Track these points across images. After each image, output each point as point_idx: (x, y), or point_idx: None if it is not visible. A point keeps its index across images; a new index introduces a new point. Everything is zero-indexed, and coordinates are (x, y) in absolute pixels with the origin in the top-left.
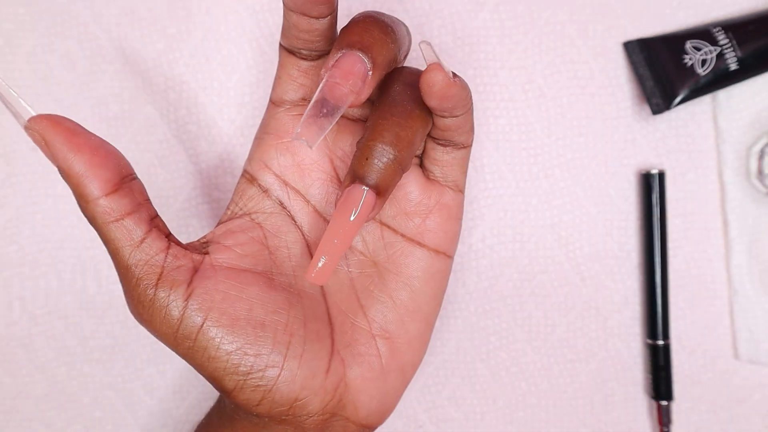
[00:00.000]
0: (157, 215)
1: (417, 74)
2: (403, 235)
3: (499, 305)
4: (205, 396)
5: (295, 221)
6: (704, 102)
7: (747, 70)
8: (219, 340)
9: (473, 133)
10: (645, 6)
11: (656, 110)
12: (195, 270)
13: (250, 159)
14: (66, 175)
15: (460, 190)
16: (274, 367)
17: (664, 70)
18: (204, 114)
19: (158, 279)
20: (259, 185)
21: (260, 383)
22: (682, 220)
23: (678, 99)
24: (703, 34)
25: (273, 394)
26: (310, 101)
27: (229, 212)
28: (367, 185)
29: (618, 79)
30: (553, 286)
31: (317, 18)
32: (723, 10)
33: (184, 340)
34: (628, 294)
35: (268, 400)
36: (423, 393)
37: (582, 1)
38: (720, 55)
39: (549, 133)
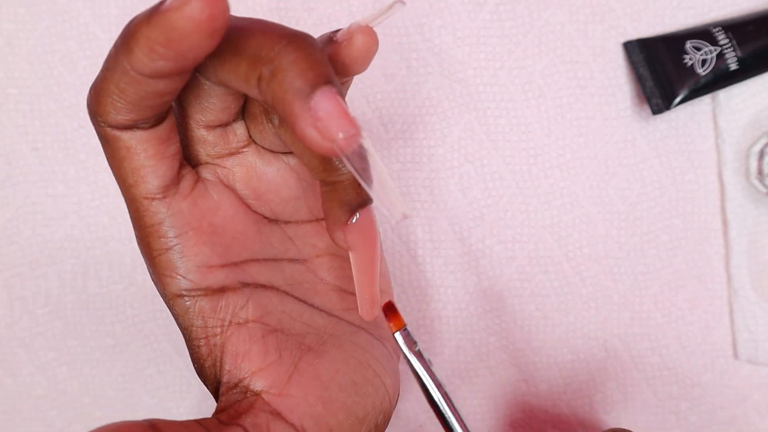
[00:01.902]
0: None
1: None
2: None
3: (499, 305)
4: (205, 396)
5: (264, 286)
6: (704, 102)
7: (747, 70)
8: (347, 428)
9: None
10: (645, 6)
11: (656, 110)
12: (277, 414)
13: (174, 277)
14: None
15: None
16: (385, 397)
17: (664, 70)
18: None
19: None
20: (214, 290)
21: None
22: (681, 220)
23: (678, 99)
24: (703, 34)
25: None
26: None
27: (203, 342)
28: (366, 204)
29: (618, 79)
30: (553, 286)
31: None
32: (723, 10)
33: None
34: (628, 294)
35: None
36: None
37: (582, 1)
38: (720, 55)
39: (549, 133)
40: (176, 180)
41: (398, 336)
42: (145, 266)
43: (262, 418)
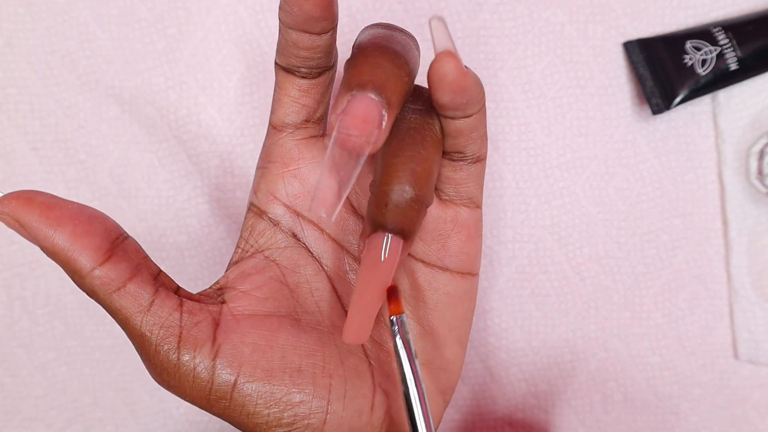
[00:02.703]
0: (160, 271)
1: (422, 92)
2: (423, 262)
3: (499, 305)
4: None
5: (312, 253)
6: (704, 102)
7: (747, 70)
8: (256, 395)
9: (487, 142)
10: (645, 6)
11: (656, 110)
12: (216, 323)
13: (255, 191)
14: (51, 253)
15: (478, 206)
16: (318, 412)
17: (664, 70)
18: (204, 114)
19: (179, 341)
20: (269, 218)
21: None
22: (681, 220)
23: (678, 99)
24: (703, 34)
25: None
26: (311, 124)
27: (239, 251)
28: (391, 232)
29: (618, 79)
30: (553, 286)
31: (319, 34)
32: (723, 10)
33: (218, 401)
34: (628, 294)
35: None
36: None
37: (582, 1)
38: (720, 55)
39: (549, 133)
40: (298, 125)
41: (394, 320)
42: None
43: (201, 315)
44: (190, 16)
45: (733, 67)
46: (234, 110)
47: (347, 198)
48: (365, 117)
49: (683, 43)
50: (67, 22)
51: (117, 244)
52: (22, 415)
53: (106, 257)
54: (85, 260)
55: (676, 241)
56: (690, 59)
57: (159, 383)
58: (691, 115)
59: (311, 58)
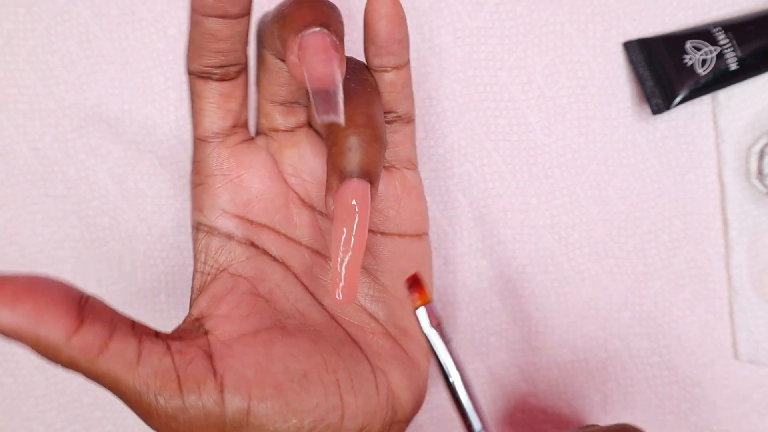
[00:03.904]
0: (133, 321)
1: (351, 59)
2: (381, 233)
3: (499, 305)
4: None
5: (274, 257)
6: (704, 102)
7: (747, 70)
8: (272, 412)
9: (413, 104)
10: (645, 6)
11: (656, 110)
12: (208, 356)
13: (199, 209)
14: (15, 335)
15: (415, 166)
16: (334, 410)
17: (664, 70)
18: None
19: (179, 384)
20: (222, 234)
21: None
22: (681, 220)
23: (678, 99)
24: (703, 34)
25: None
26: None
27: (199, 275)
28: (358, 176)
29: (618, 79)
30: (553, 286)
31: (237, 18)
32: (723, 10)
33: (235, 429)
34: (628, 294)
35: None
36: None
37: (582, 1)
38: (720, 55)
39: (549, 133)
40: (227, 133)
41: (420, 312)
42: (144, 267)
43: (191, 352)
44: None
45: (733, 67)
46: None
47: (292, 192)
48: (323, 45)
49: (683, 43)
50: (67, 22)
51: (83, 305)
52: (22, 415)
53: (78, 323)
54: (58, 332)
55: (676, 241)
56: (690, 59)
57: None
58: (691, 115)
59: (230, 51)
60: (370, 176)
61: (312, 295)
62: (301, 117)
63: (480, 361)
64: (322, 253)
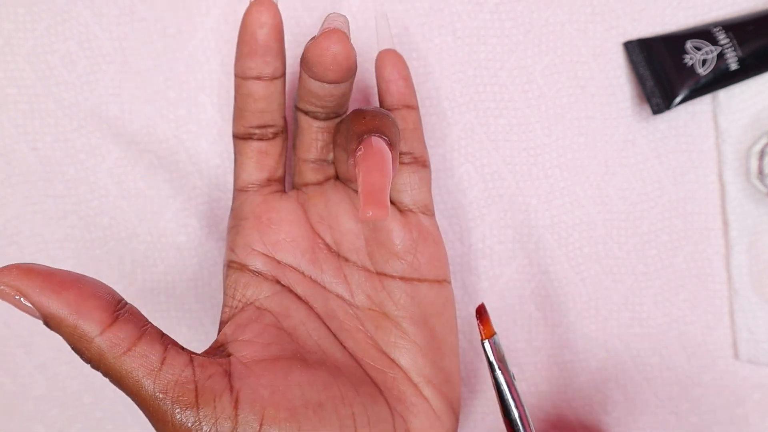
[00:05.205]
0: (164, 333)
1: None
2: (401, 278)
3: (499, 305)
4: None
5: (299, 296)
6: (704, 102)
7: (747, 69)
8: None
9: (427, 151)
10: (645, 6)
11: (656, 110)
12: (227, 374)
13: (232, 249)
14: (55, 321)
15: (432, 213)
16: None
17: (664, 70)
18: (204, 114)
19: (196, 396)
20: (251, 271)
21: None
22: (681, 220)
23: (678, 99)
24: (704, 33)
25: None
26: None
27: (227, 309)
28: (375, 134)
29: (618, 79)
30: (553, 286)
31: (271, 79)
32: (723, 10)
33: None
34: (629, 294)
35: None
36: None
37: (582, 1)
38: (720, 55)
39: (549, 133)
40: (262, 183)
41: (486, 345)
42: (144, 267)
43: (212, 368)
44: (190, 16)
45: (734, 66)
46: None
47: (319, 238)
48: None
49: (683, 43)
50: (67, 22)
51: (120, 307)
52: (22, 415)
53: (113, 320)
54: (92, 324)
55: (676, 241)
56: (690, 59)
57: None
58: (692, 115)
59: (266, 111)
60: (389, 137)
61: (334, 335)
62: (329, 172)
63: (480, 362)
64: (347, 301)
